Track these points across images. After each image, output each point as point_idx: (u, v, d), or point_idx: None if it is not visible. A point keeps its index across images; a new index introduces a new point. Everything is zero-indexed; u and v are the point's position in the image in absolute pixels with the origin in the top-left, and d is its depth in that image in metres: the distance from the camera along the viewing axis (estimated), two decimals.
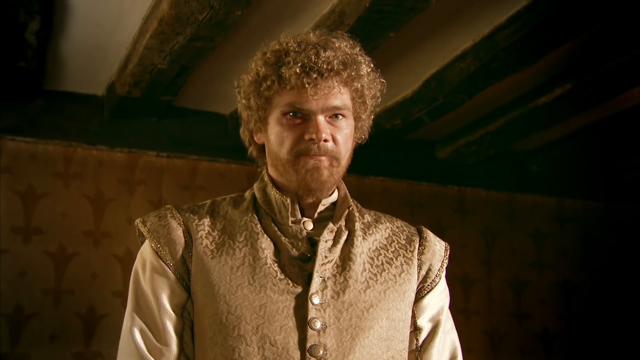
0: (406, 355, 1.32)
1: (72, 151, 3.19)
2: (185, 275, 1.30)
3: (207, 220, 1.35)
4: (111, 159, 3.26)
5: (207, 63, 2.79)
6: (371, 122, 1.41)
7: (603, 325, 4.03)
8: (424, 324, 1.37)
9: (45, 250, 3.07)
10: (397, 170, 3.72)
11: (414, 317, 1.36)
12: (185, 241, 1.31)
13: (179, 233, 1.32)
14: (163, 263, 1.30)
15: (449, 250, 1.44)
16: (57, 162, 3.16)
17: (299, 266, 1.28)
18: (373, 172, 3.64)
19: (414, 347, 1.35)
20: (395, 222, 1.44)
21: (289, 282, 1.26)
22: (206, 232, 1.33)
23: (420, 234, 1.43)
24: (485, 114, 3.48)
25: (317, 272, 1.27)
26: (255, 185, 1.42)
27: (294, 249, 1.30)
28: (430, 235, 1.43)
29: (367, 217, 1.42)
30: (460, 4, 2.49)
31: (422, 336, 1.36)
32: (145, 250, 1.35)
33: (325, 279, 1.27)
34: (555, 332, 3.97)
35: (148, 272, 1.32)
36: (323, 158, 1.28)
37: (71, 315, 3.06)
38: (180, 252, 1.31)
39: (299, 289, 1.26)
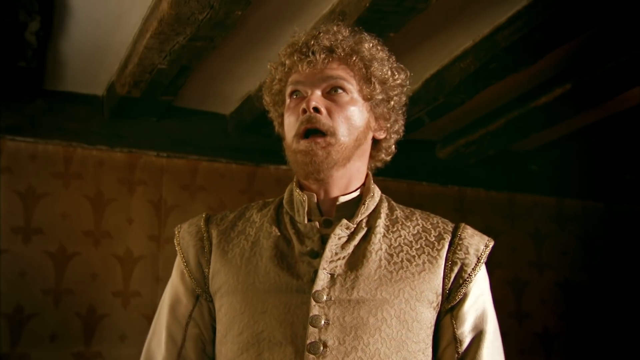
0: (424, 357, 1.25)
1: (72, 151, 3.19)
2: (202, 281, 1.34)
3: (230, 224, 1.37)
4: (111, 159, 3.26)
5: (207, 63, 2.79)
6: (400, 115, 1.39)
7: (603, 325, 4.03)
8: (466, 334, 1.29)
9: (45, 250, 3.07)
10: (397, 170, 3.70)
11: (452, 327, 1.29)
12: (203, 247, 1.35)
13: (198, 238, 1.36)
14: (185, 269, 1.35)
15: (489, 247, 1.36)
16: (57, 162, 3.16)
17: (307, 262, 1.26)
18: (373, 172, 3.63)
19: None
20: (430, 219, 1.38)
21: (297, 278, 1.25)
22: (226, 235, 1.35)
23: (455, 231, 1.35)
24: (485, 114, 3.48)
25: (325, 268, 1.24)
26: (287, 188, 1.41)
27: (305, 246, 1.28)
28: (467, 232, 1.36)
29: (398, 214, 1.37)
30: (460, 4, 2.49)
31: (463, 348, 1.28)
32: (177, 258, 1.40)
33: (335, 276, 1.24)
34: (555, 332, 3.97)
35: (172, 278, 1.39)
36: (319, 140, 1.26)
37: (71, 315, 3.06)
38: (197, 259, 1.35)
39: (305, 286, 1.23)
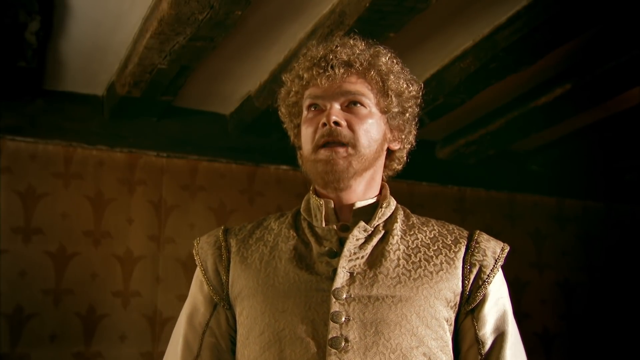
0: (443, 355, 1.26)
1: (72, 151, 3.19)
2: (219, 289, 1.36)
3: (248, 233, 1.40)
4: (111, 159, 3.26)
5: (207, 63, 2.79)
6: (413, 126, 1.42)
7: (603, 325, 4.03)
8: (488, 336, 1.31)
9: (45, 250, 3.07)
10: None
11: (474, 329, 1.31)
12: (221, 255, 1.38)
13: (217, 247, 1.39)
14: (203, 277, 1.38)
15: (506, 251, 1.37)
16: (57, 162, 3.16)
17: (326, 262, 1.29)
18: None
19: None
20: (446, 226, 1.41)
21: (316, 277, 1.27)
22: (245, 242, 1.38)
23: (471, 236, 1.38)
24: (485, 114, 3.48)
25: (344, 267, 1.27)
26: (304, 198, 1.44)
27: (323, 247, 1.31)
28: (483, 237, 1.38)
29: (414, 220, 1.40)
30: (460, 4, 2.49)
31: (486, 349, 1.30)
32: (197, 269, 1.43)
33: (355, 274, 1.27)
34: (555, 332, 3.97)
35: (191, 288, 1.42)
36: (340, 149, 1.29)
37: (71, 315, 3.06)
38: (215, 266, 1.37)
39: (324, 284, 1.26)
